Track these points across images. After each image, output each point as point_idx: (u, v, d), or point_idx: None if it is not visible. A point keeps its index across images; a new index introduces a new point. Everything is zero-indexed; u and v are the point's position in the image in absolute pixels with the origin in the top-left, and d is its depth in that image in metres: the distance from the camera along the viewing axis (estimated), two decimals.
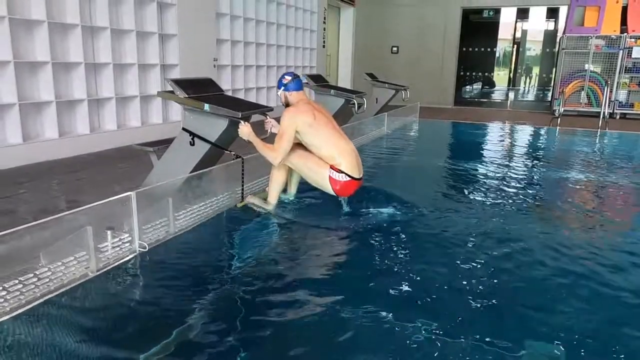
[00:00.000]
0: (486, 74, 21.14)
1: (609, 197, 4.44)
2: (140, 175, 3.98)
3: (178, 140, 3.58)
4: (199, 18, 7.10)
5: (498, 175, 4.96)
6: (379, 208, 3.58)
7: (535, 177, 5.00)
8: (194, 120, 3.49)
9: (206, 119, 3.42)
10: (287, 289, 2.41)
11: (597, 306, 2.31)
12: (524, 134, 8.56)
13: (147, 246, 2.74)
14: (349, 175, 3.30)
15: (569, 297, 2.37)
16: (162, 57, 6.58)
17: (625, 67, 10.17)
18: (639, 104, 10.32)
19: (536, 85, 21.89)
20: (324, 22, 11.56)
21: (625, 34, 10.05)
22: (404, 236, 3.12)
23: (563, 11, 14.51)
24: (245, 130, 3.25)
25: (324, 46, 11.71)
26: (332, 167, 3.30)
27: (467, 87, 19.82)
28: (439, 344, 1.94)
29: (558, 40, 12.61)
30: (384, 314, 2.16)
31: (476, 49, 19.07)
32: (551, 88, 13.02)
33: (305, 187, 3.71)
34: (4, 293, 2.12)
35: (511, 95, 19.03)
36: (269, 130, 3.56)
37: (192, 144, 3.45)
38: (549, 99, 13.05)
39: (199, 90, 3.56)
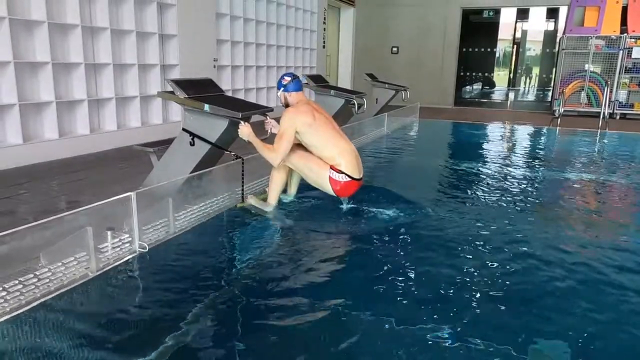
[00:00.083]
0: (486, 74, 21.14)
1: (610, 197, 4.44)
2: (140, 175, 3.98)
3: (178, 140, 3.58)
4: (199, 18, 7.11)
5: (499, 175, 4.96)
6: (380, 209, 3.58)
7: (535, 177, 5.00)
8: (194, 120, 3.49)
9: (206, 119, 3.42)
10: (288, 291, 2.39)
11: (603, 307, 2.30)
12: (524, 134, 8.55)
13: (147, 246, 2.74)
14: (349, 176, 3.30)
15: (574, 297, 2.36)
16: (162, 57, 6.58)
17: (625, 68, 10.17)
18: (639, 104, 10.32)
19: (536, 85, 21.89)
20: (324, 23, 11.57)
21: (625, 34, 10.05)
22: (405, 237, 3.11)
23: (563, 11, 14.52)
24: (245, 130, 3.25)
25: (324, 46, 11.72)
26: (332, 168, 3.30)
27: (467, 87, 19.83)
28: (445, 347, 1.92)
29: (558, 40, 12.61)
30: (388, 317, 2.13)
31: (476, 49, 19.07)
32: (551, 88, 13.02)
33: (305, 187, 3.71)
34: (4, 293, 2.12)
35: (511, 95, 19.04)
36: (269, 131, 3.56)
37: (192, 144, 3.45)
38: (549, 99, 13.05)
39: (199, 91, 3.56)
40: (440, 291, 2.40)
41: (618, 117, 10.33)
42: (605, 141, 7.74)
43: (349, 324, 2.10)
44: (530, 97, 18.61)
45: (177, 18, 6.66)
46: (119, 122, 6.00)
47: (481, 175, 4.99)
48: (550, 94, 13.47)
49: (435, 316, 2.15)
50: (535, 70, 22.36)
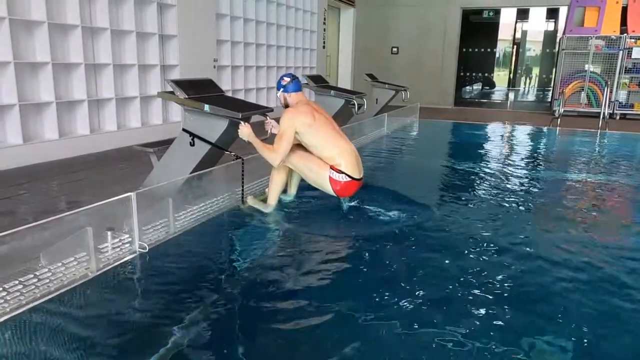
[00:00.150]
0: (486, 74, 21.15)
1: (611, 198, 4.43)
2: (140, 175, 3.98)
3: (178, 140, 3.58)
4: (199, 19, 7.11)
5: (499, 175, 4.96)
6: (380, 209, 3.58)
7: (536, 178, 5.00)
8: (194, 120, 3.49)
9: (206, 119, 3.42)
10: (289, 293, 2.38)
11: (608, 308, 2.29)
12: (524, 134, 8.55)
13: (147, 247, 2.73)
14: (349, 176, 3.30)
15: (578, 298, 2.35)
16: (162, 57, 6.58)
17: (625, 68, 10.17)
18: (639, 104, 10.32)
19: (536, 85, 21.89)
20: (324, 23, 11.57)
21: (625, 34, 10.05)
22: (406, 238, 3.09)
23: (563, 11, 14.52)
24: (245, 131, 3.24)
25: (324, 47, 11.72)
26: (332, 168, 3.29)
27: (467, 87, 19.84)
28: (450, 350, 1.91)
29: (558, 40, 12.62)
30: (391, 320, 2.10)
31: (476, 50, 19.08)
32: (551, 88, 13.03)
33: (305, 188, 3.71)
34: (4, 294, 2.12)
35: (511, 95, 19.04)
36: (269, 131, 3.56)
37: (192, 144, 3.45)
38: (549, 99, 13.05)
39: (199, 91, 3.56)
40: (444, 293, 2.38)
41: (618, 117, 10.33)
42: (606, 141, 7.75)
43: (352, 327, 2.07)
44: (530, 97, 18.62)
45: (177, 18, 6.66)
46: (119, 122, 6.00)
47: (482, 176, 4.99)
48: (550, 94, 13.47)
49: (439, 318, 2.12)
50: (535, 71, 22.36)
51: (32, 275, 2.27)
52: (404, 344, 1.96)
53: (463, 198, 4.13)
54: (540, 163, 5.85)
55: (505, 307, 2.26)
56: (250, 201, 3.55)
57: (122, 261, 2.60)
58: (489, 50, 20.13)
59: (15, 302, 2.10)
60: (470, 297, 2.34)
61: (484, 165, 5.54)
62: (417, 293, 2.37)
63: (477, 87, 21.14)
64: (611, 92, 9.77)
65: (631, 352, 1.98)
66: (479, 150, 6.75)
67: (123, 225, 2.71)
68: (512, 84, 22.48)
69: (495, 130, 9.04)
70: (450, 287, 2.44)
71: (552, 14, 18.70)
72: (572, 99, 10.43)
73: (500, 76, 22.93)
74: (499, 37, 20.45)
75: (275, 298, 2.33)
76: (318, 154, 3.34)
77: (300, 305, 2.26)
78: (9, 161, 4.68)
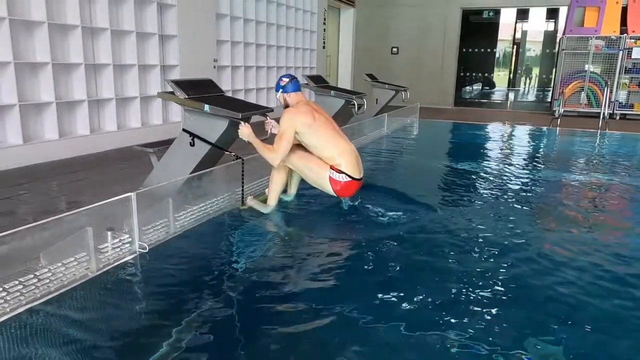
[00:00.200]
0: (486, 74, 21.15)
1: (612, 198, 4.42)
2: (140, 176, 3.98)
3: (178, 141, 3.58)
4: (199, 19, 7.11)
5: (499, 176, 4.96)
6: (381, 209, 3.57)
7: (536, 178, 4.99)
8: (194, 121, 3.49)
9: (206, 119, 3.42)
10: (290, 295, 2.37)
11: (611, 309, 2.28)
12: (524, 134, 8.55)
13: (147, 247, 2.74)
14: (350, 176, 3.30)
15: (582, 300, 2.35)
16: (162, 58, 6.58)
17: (625, 68, 10.17)
18: (639, 104, 10.32)
19: (536, 85, 21.89)
20: (324, 23, 11.57)
21: (625, 34, 10.05)
22: (407, 239, 3.08)
23: (563, 12, 14.51)
24: (245, 131, 3.24)
25: (324, 47, 11.72)
26: (332, 168, 3.30)
27: (467, 87, 19.83)
28: (454, 353, 1.89)
29: (558, 40, 12.62)
30: (393, 323, 2.07)
31: (476, 50, 19.08)
32: (551, 89, 13.02)
33: (305, 187, 3.71)
34: (4, 294, 2.12)
35: (511, 95, 19.04)
36: (269, 131, 3.56)
37: (192, 144, 3.45)
38: (549, 99, 13.05)
39: (199, 91, 3.56)
40: (447, 294, 2.36)
41: (618, 117, 10.33)
42: (606, 141, 7.75)
43: (354, 330, 2.04)
44: (530, 97, 18.62)
45: (177, 18, 6.66)
46: (119, 122, 6.00)
47: (482, 176, 4.99)
48: (550, 94, 13.47)
49: (443, 320, 2.10)
50: (535, 71, 22.36)
51: (32, 276, 2.27)
52: (407, 346, 1.94)
53: (464, 198, 4.13)
54: (541, 163, 5.84)
55: (509, 308, 2.25)
56: (250, 202, 3.55)
57: (122, 261, 2.60)
58: (489, 50, 20.13)
59: (15, 302, 2.10)
60: (474, 299, 2.32)
61: (484, 165, 5.54)
62: (419, 294, 2.35)
63: (477, 87, 21.14)
64: (611, 92, 9.77)
65: (634, 352, 1.98)
66: (479, 151, 6.75)
67: (123, 226, 2.71)
68: (512, 84, 22.48)
69: (495, 130, 9.04)
70: (454, 288, 2.42)
71: (552, 14, 18.71)
72: (572, 99, 10.43)
73: (500, 76, 22.93)
74: (499, 37, 20.46)
75: (275, 299, 2.32)
76: (318, 154, 3.34)
77: (300, 306, 2.25)
78: (9, 161, 4.68)
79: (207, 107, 3.33)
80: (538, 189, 4.60)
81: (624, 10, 10.32)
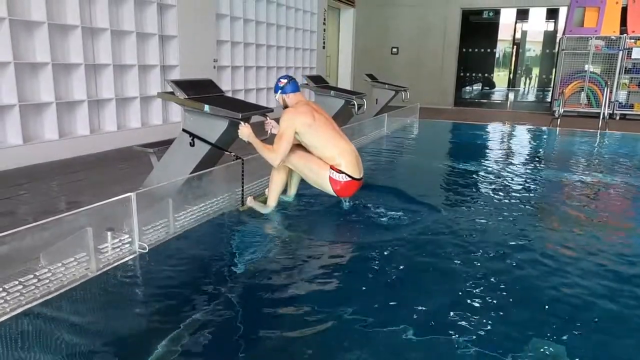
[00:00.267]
0: (486, 74, 21.15)
1: (614, 198, 4.42)
2: (140, 176, 3.98)
3: (178, 141, 3.58)
4: (199, 19, 7.11)
5: (499, 176, 4.96)
6: (381, 209, 3.57)
7: (537, 178, 4.99)
8: (194, 121, 3.49)
9: (206, 120, 3.42)
10: (290, 296, 2.36)
11: (615, 310, 2.28)
12: (524, 134, 8.56)
13: (147, 247, 2.74)
14: (350, 176, 3.30)
15: (591, 301, 2.34)
16: (162, 58, 6.58)
17: (625, 68, 10.18)
18: (638, 104, 10.32)
19: (536, 86, 21.89)
20: (324, 23, 11.57)
21: (625, 34, 10.05)
22: (408, 240, 3.06)
23: (563, 12, 14.52)
24: (245, 131, 3.24)
25: (323, 47, 11.72)
26: (332, 168, 3.30)
27: (467, 87, 19.83)
28: (459, 356, 1.88)
29: (558, 41, 12.62)
30: (396, 326, 2.04)
31: (476, 50, 19.08)
32: (551, 89, 13.03)
33: (305, 188, 3.71)
34: (4, 294, 2.12)
35: (511, 96, 19.04)
36: (269, 131, 3.56)
37: (192, 145, 3.45)
38: (549, 99, 13.06)
39: (199, 91, 3.56)
40: (451, 297, 2.33)
41: (618, 117, 10.33)
42: (606, 142, 7.75)
43: (356, 334, 2.01)
44: (530, 97, 18.62)
45: (177, 19, 6.66)
46: (119, 122, 6.00)
47: (482, 176, 4.99)
48: (550, 94, 13.47)
49: (447, 323, 2.08)
50: (535, 71, 22.36)
51: (32, 276, 2.27)
52: (411, 350, 1.92)
53: (465, 199, 4.12)
54: (541, 163, 5.84)
55: (514, 310, 2.24)
56: (250, 203, 3.54)
57: (122, 261, 2.60)
58: (488, 50, 20.13)
59: (15, 303, 2.10)
60: (478, 300, 2.30)
61: (485, 165, 5.54)
62: (422, 296, 2.34)
63: (477, 87, 21.14)
64: (611, 92, 9.77)
65: (637, 351, 1.98)
66: (480, 151, 6.75)
67: (123, 226, 2.71)
68: (512, 84, 22.48)
69: (495, 130, 9.04)
70: (457, 290, 2.40)
71: (552, 14, 18.71)
72: (572, 99, 10.44)
73: (500, 76, 22.93)
74: (499, 37, 20.45)
75: (275, 301, 2.31)
76: (318, 154, 3.34)
77: (301, 308, 2.23)
78: (9, 161, 4.68)
79: (207, 108, 3.33)
80: (539, 189, 4.60)
81: (624, 10, 10.32)
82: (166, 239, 2.94)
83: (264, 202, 3.56)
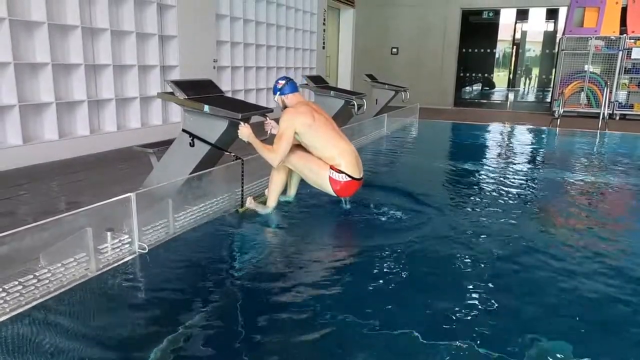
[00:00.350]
0: (486, 75, 21.13)
1: (616, 198, 4.42)
2: (140, 176, 3.98)
3: (178, 141, 3.58)
4: (199, 19, 7.11)
5: (500, 176, 4.96)
6: (381, 210, 3.57)
7: (538, 178, 4.99)
8: (193, 121, 3.49)
9: (206, 120, 3.42)
10: (290, 297, 2.34)
11: (616, 310, 2.28)
12: (524, 134, 8.56)
13: (146, 247, 2.74)
14: (349, 176, 3.30)
15: (589, 303, 2.34)
16: (162, 58, 6.59)
17: (625, 68, 10.18)
18: (638, 104, 10.32)
19: (536, 86, 21.87)
20: (324, 24, 11.57)
21: (625, 34, 10.05)
22: (408, 240, 3.05)
23: (562, 12, 14.51)
24: (245, 131, 3.25)
25: (323, 47, 11.72)
26: (332, 168, 3.30)
27: (467, 88, 19.82)
28: (462, 357, 1.88)
29: (558, 41, 12.62)
30: (398, 330, 2.03)
31: (476, 50, 19.06)
32: (551, 89, 13.03)
33: (305, 188, 3.71)
34: (3, 294, 2.12)
35: (511, 96, 19.04)
36: (268, 132, 3.57)
37: (192, 145, 3.45)
38: (549, 100, 13.06)
39: (199, 92, 3.57)
40: (453, 298, 2.32)
41: (618, 117, 10.33)
42: (606, 142, 7.75)
43: (358, 338, 1.99)
44: (530, 97, 18.62)
45: (177, 19, 6.66)
46: (118, 123, 6.00)
47: (482, 177, 4.99)
48: (550, 94, 13.47)
49: (449, 325, 2.07)
50: (535, 71, 22.34)
51: (31, 276, 2.27)
52: (415, 353, 1.90)
53: (465, 199, 4.12)
54: (541, 164, 5.85)
55: (520, 312, 2.23)
56: (250, 204, 3.53)
57: (121, 262, 2.60)
58: (488, 50, 20.11)
59: (14, 303, 2.10)
60: (484, 303, 2.29)
61: (484, 166, 5.54)
62: (426, 298, 2.33)
63: (477, 87, 21.13)
64: (611, 92, 9.77)
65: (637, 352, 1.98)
66: (480, 151, 6.76)
67: (123, 226, 2.71)
68: (512, 84, 22.47)
69: (495, 130, 9.04)
70: (462, 292, 2.39)
71: (552, 14, 18.69)
72: (571, 100, 10.43)
73: (500, 77, 22.92)
74: (499, 37, 20.44)
75: (275, 302, 2.30)
76: (318, 154, 3.34)
77: (301, 309, 2.22)
78: (9, 162, 4.68)
79: (206, 108, 3.33)
80: (540, 189, 4.60)
81: (624, 10, 10.32)
82: (166, 239, 2.94)
83: (264, 202, 3.56)
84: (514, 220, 3.52)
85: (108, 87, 5.85)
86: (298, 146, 3.38)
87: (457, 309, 2.22)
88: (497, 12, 16.75)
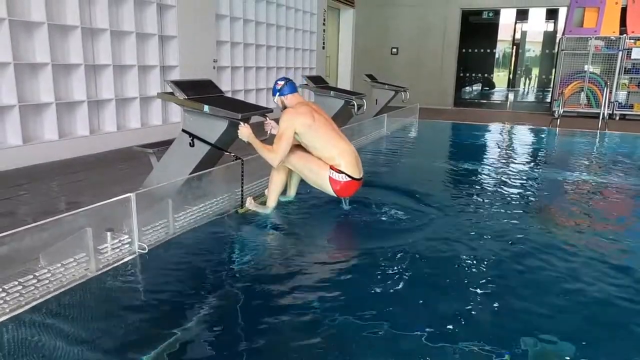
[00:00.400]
0: (486, 75, 21.13)
1: (614, 199, 4.42)
2: (139, 176, 3.98)
3: (178, 141, 3.58)
4: (199, 19, 7.11)
5: (500, 176, 4.96)
6: (381, 210, 3.57)
7: (538, 178, 4.99)
8: (193, 121, 3.49)
9: (206, 120, 3.42)
10: (290, 298, 2.34)
11: (616, 311, 2.27)
12: (524, 135, 8.56)
13: (146, 247, 2.74)
14: (349, 176, 3.30)
15: (591, 303, 2.33)
16: (162, 58, 6.59)
17: (625, 68, 10.18)
18: (638, 105, 10.32)
19: (536, 86, 21.88)
20: (324, 24, 11.57)
21: (625, 35, 10.05)
22: (409, 240, 3.04)
23: (562, 12, 14.51)
24: (244, 131, 3.24)
25: (323, 47, 11.72)
26: (332, 168, 3.30)
27: (467, 88, 19.82)
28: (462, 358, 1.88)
29: (557, 41, 12.63)
30: (399, 331, 2.02)
31: (476, 50, 19.05)
32: (551, 89, 13.03)
33: (305, 188, 3.71)
34: (3, 294, 2.12)
35: (511, 96, 19.04)
36: (268, 132, 3.57)
37: (192, 145, 3.45)
38: (549, 100, 13.06)
39: (199, 92, 3.57)
40: (454, 299, 2.31)
41: (617, 117, 10.33)
42: (606, 142, 7.75)
43: (359, 340, 1.98)
44: (530, 97, 18.63)
45: (177, 19, 6.67)
46: (118, 123, 6.00)
47: (483, 177, 4.99)
48: (549, 94, 13.47)
49: (453, 330, 2.05)
50: (535, 71, 22.34)
51: (31, 276, 2.27)
52: (417, 355, 1.88)
53: (464, 199, 4.12)
54: (541, 164, 5.84)
55: (519, 312, 2.22)
56: (249, 204, 3.53)
57: (121, 262, 2.60)
58: (488, 50, 20.10)
59: (14, 303, 2.10)
60: (485, 304, 2.28)
61: (484, 166, 5.54)
62: (425, 299, 2.32)
63: (477, 87, 21.13)
64: (611, 92, 9.78)
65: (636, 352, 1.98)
66: (479, 151, 6.75)
67: (123, 226, 2.71)
68: (512, 84, 22.47)
69: (495, 131, 9.04)
70: (464, 293, 2.38)
71: (552, 14, 18.69)
72: (571, 100, 10.44)
73: (500, 77, 22.91)
74: (499, 37, 20.43)
75: (275, 303, 2.30)
76: (318, 154, 3.34)
77: (301, 310, 2.21)
78: (9, 162, 4.68)
79: (206, 108, 3.33)
80: (540, 189, 4.60)
81: (624, 10, 10.33)
82: (166, 239, 2.94)
83: (264, 202, 3.56)
84: (516, 220, 3.51)
85: (108, 87, 5.85)
86: (298, 146, 3.38)
87: (460, 310, 2.21)
88: (497, 12, 16.75)
